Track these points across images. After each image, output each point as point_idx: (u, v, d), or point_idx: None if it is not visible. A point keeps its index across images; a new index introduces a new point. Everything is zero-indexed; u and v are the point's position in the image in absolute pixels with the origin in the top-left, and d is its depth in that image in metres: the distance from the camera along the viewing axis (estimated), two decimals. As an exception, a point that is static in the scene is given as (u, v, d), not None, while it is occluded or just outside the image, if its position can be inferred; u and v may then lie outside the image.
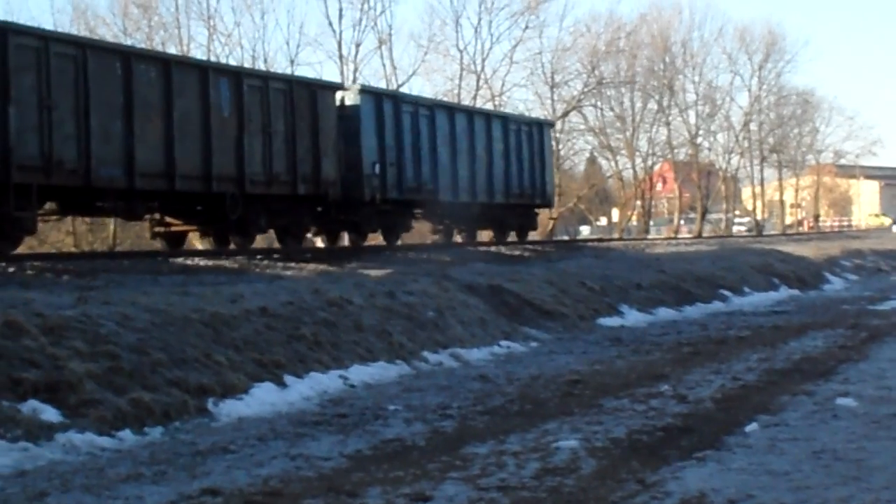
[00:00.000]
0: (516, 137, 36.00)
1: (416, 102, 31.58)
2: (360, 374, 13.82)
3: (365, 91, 29.02)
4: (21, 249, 21.65)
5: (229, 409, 11.44)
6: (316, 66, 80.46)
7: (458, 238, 36.30)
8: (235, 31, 56.82)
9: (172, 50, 53.03)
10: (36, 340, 11.01)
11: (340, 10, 56.17)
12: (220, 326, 13.29)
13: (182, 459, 9.08)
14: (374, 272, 20.73)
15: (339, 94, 27.63)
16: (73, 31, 42.75)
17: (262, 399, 12.01)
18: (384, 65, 58.86)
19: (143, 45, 44.64)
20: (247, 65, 52.89)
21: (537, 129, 38.31)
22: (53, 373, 10.58)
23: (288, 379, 12.83)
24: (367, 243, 31.95)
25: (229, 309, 14.00)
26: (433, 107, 32.11)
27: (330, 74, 64.66)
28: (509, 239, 38.07)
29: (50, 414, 10.00)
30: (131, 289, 15.45)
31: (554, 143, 52.51)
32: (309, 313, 14.95)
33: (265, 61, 56.13)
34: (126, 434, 10.09)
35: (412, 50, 72.87)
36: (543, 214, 43.42)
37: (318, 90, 26.75)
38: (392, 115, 28.61)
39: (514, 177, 35.60)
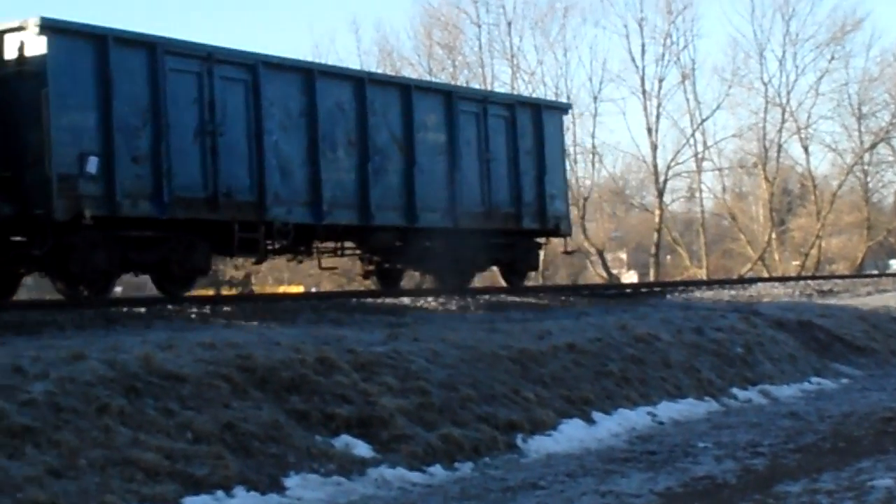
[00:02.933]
0: (478, 126, 23.35)
1: (209, 56, 18.01)
2: (668, 410, 13.67)
3: (58, 29, 15.87)
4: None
5: (538, 446, 11.45)
6: (619, 101, 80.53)
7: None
8: (538, 68, 57.17)
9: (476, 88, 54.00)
10: (348, 376, 11.26)
11: (643, 45, 56.88)
12: (528, 362, 13.34)
13: (492, 495, 9.12)
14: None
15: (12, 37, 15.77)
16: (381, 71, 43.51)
17: (571, 435, 11.99)
18: (687, 99, 58.69)
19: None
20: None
21: (530, 116, 25.08)
22: (365, 408, 10.80)
23: (596, 415, 12.78)
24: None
25: (537, 345, 14.04)
26: (255, 65, 18.76)
27: (634, 109, 64.70)
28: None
29: (362, 449, 10.19)
30: (439, 325, 15.71)
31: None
32: (616, 349, 14.88)
33: (568, 97, 56.36)
34: (437, 469, 10.20)
35: (716, 84, 71.57)
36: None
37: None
38: (144, 74, 16.81)
39: (474, 187, 23.21)
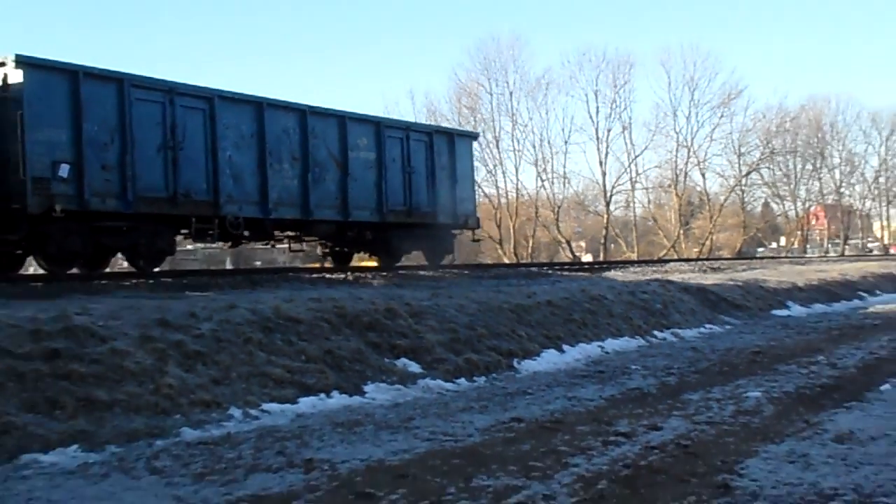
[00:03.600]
0: (403, 148, 21.51)
1: (171, 90, 16.51)
2: (612, 344, 13.54)
3: (32, 64, 14.38)
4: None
5: (527, 367, 11.39)
6: (581, 144, 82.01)
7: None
8: (529, 122, 57.69)
9: (489, 136, 53.99)
10: (405, 320, 11.23)
11: (597, 107, 58.22)
12: (521, 312, 13.26)
13: (497, 398, 9.07)
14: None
15: None
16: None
17: (548, 360, 11.91)
18: (626, 143, 59.38)
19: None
20: (536, 146, 53.09)
21: (446, 141, 23.17)
22: (416, 341, 10.77)
23: (565, 347, 12.68)
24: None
25: (527, 301, 13.96)
26: (212, 98, 17.15)
27: (591, 149, 65.37)
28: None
29: (414, 367, 10.17)
30: (464, 288, 15.67)
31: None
32: (578, 304, 14.80)
33: (549, 143, 56.99)
34: (462, 381, 10.16)
35: (644, 133, 74.31)
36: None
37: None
38: (113, 101, 15.46)
39: (398, 192, 21.42)
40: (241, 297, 11.48)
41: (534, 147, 58.52)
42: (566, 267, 27.95)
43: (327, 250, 22.55)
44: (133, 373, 7.72)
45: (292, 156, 18.74)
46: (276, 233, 20.03)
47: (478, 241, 27.65)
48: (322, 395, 8.69)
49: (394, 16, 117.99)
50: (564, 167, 64.46)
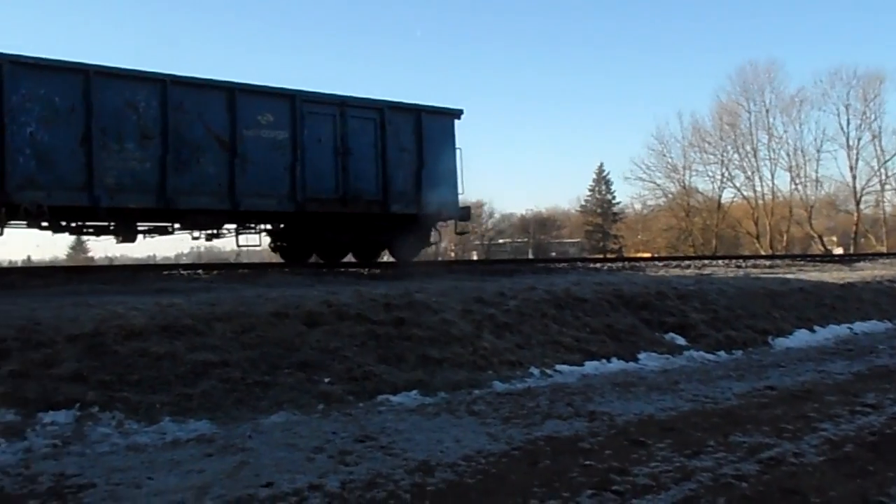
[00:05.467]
0: (335, 126, 14.88)
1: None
2: (861, 327, 12.35)
3: None
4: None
5: (780, 343, 10.65)
6: (833, 151, 74.94)
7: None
8: (784, 135, 53.53)
9: (747, 147, 50.94)
10: (673, 301, 10.89)
11: (848, 119, 52.22)
12: (776, 297, 12.43)
13: (753, 368, 8.58)
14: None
15: None
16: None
17: (800, 338, 11.06)
18: (875, 149, 53.65)
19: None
20: (790, 155, 49.28)
21: (408, 119, 16.05)
22: (682, 318, 10.40)
23: (816, 328, 11.73)
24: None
25: (780, 288, 13.06)
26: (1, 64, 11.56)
27: (842, 156, 59.84)
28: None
29: (680, 340, 9.82)
30: (723, 277, 14.91)
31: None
32: (828, 291, 13.64)
33: (802, 152, 52.44)
34: (721, 353, 9.68)
35: (894, 140, 66.51)
36: None
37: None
38: None
39: (324, 178, 14.77)
40: (540, 281, 11.66)
41: (788, 155, 54.65)
42: (817, 259, 25.79)
43: (273, 245, 16.53)
44: (457, 337, 8.08)
45: (142, 134, 12.92)
46: (140, 224, 13.97)
47: (463, 233, 18.63)
48: (603, 360, 8.63)
49: (662, 46, 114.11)
50: (816, 172, 59.32)
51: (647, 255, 23.15)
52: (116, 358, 6.27)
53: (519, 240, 77.09)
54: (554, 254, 42.84)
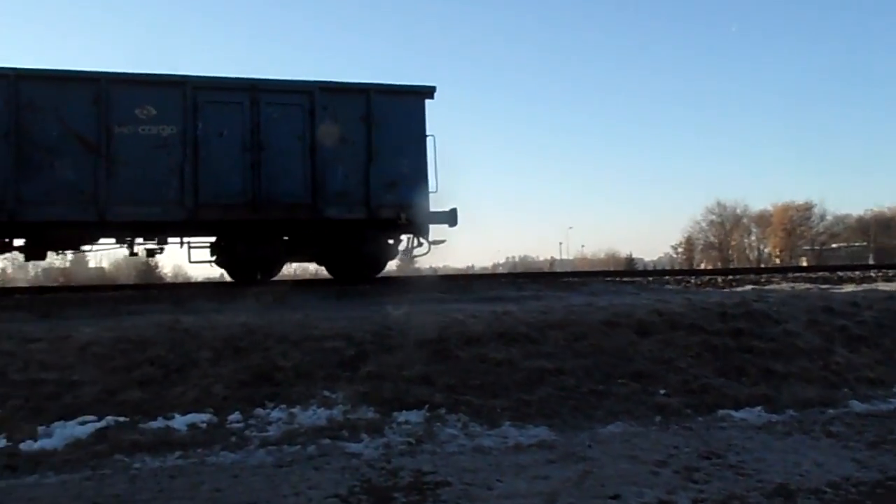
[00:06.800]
0: (244, 116, 12.13)
1: None
2: None
3: None
4: None
5: None
6: None
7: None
8: None
9: None
10: None
11: None
12: None
13: None
14: None
15: None
16: None
17: None
18: None
19: None
20: None
21: (351, 104, 12.67)
22: None
23: None
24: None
25: None
26: None
27: None
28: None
29: None
30: None
31: None
32: None
33: None
34: None
35: None
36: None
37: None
38: None
39: (228, 180, 11.99)
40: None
41: None
42: None
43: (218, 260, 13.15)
44: (803, 350, 7.42)
45: None
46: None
47: (439, 242, 13.45)
48: None
49: None
50: None
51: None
52: (458, 363, 6.59)
53: (856, 244, 69.90)
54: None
